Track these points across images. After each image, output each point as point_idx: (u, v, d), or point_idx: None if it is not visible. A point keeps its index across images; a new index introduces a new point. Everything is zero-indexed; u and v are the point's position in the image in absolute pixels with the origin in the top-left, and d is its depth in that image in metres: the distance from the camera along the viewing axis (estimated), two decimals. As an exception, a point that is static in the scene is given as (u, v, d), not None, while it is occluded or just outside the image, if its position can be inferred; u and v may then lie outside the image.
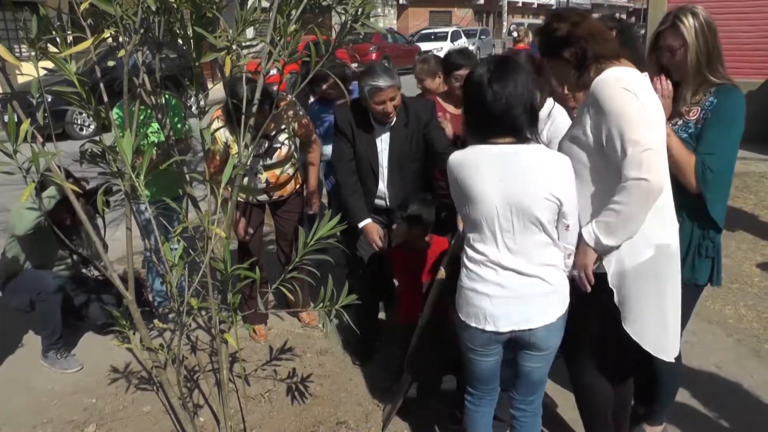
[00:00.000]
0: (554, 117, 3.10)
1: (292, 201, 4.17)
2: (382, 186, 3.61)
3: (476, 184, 2.21)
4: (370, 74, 3.32)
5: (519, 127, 2.20)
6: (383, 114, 3.40)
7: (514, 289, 2.24)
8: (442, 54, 4.68)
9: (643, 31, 12.56)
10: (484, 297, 2.27)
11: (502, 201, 2.18)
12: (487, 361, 2.43)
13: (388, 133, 3.54)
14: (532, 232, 2.21)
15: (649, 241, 2.28)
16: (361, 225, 3.51)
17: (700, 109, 2.53)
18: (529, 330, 2.27)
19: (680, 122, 2.58)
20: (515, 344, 2.37)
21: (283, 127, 3.80)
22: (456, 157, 2.29)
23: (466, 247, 2.36)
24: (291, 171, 4.00)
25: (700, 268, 2.61)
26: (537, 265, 2.24)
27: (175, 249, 2.59)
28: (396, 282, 3.89)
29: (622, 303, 2.36)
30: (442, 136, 3.60)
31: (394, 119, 3.48)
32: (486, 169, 2.20)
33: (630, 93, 2.16)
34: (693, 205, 2.52)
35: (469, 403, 2.64)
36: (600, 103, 2.20)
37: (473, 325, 2.32)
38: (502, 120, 2.18)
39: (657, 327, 2.37)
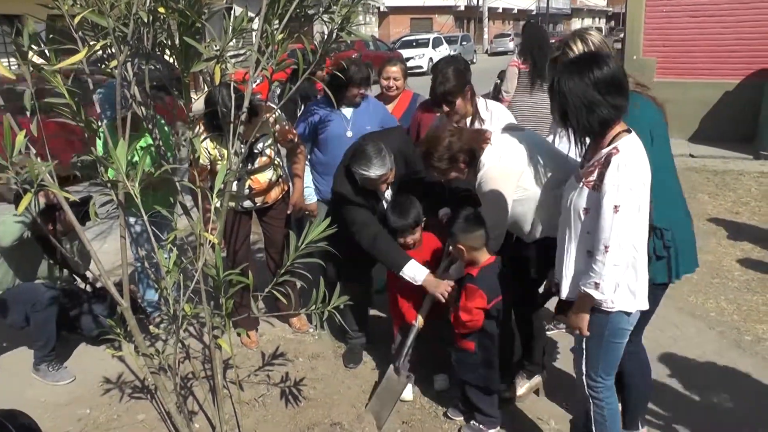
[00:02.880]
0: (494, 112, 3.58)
1: (278, 207, 4.21)
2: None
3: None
4: (361, 162, 3.28)
5: None
6: (379, 191, 3.50)
7: None
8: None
9: (621, 35, 12.75)
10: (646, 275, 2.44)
11: None
12: None
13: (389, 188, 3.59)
14: None
15: None
16: (419, 280, 3.26)
17: None
18: None
19: None
20: None
21: (265, 134, 3.84)
22: (639, 156, 2.29)
23: (639, 237, 2.35)
24: (274, 177, 4.04)
25: (653, 270, 2.62)
26: None
27: (168, 257, 2.62)
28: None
29: None
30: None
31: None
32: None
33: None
34: None
35: (608, 398, 2.63)
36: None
37: (643, 307, 2.44)
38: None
39: None
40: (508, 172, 3.00)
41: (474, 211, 3.05)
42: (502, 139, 3.09)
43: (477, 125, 3.50)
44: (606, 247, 2.25)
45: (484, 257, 3.05)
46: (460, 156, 3.04)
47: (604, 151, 2.31)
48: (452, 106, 3.41)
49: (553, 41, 5.11)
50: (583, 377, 2.61)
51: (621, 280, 2.35)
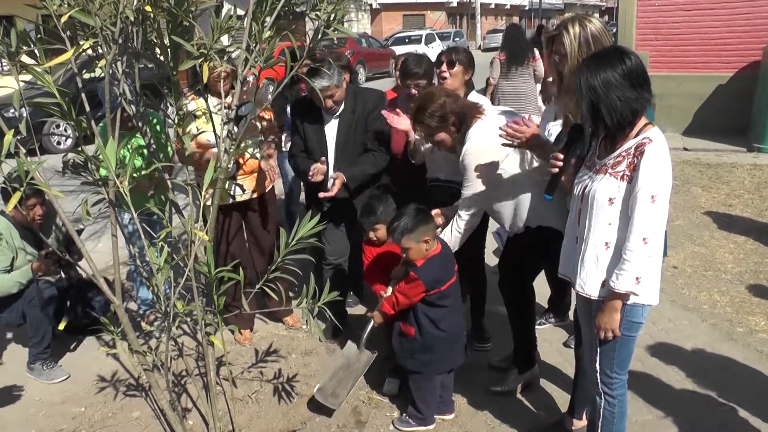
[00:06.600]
0: None
1: (264, 205, 4.17)
2: (331, 171, 3.82)
3: None
4: (314, 73, 3.59)
5: None
6: (325, 107, 3.75)
7: None
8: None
9: (615, 29, 12.78)
10: None
11: None
12: None
13: (336, 121, 3.86)
14: None
15: None
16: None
17: None
18: None
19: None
20: None
21: (248, 101, 3.82)
22: (666, 147, 2.27)
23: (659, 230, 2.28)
24: (262, 162, 4.00)
25: None
26: None
27: (159, 254, 2.63)
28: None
29: None
30: (381, 130, 3.86)
31: (341, 108, 3.81)
32: None
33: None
34: None
35: (622, 395, 2.59)
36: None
37: (655, 302, 2.39)
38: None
39: None
40: (493, 150, 2.98)
41: (418, 206, 3.08)
42: (493, 117, 3.08)
43: None
44: (645, 239, 2.21)
45: (433, 247, 3.06)
46: (451, 117, 3.06)
47: (633, 141, 2.28)
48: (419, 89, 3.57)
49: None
50: (597, 374, 2.56)
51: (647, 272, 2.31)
